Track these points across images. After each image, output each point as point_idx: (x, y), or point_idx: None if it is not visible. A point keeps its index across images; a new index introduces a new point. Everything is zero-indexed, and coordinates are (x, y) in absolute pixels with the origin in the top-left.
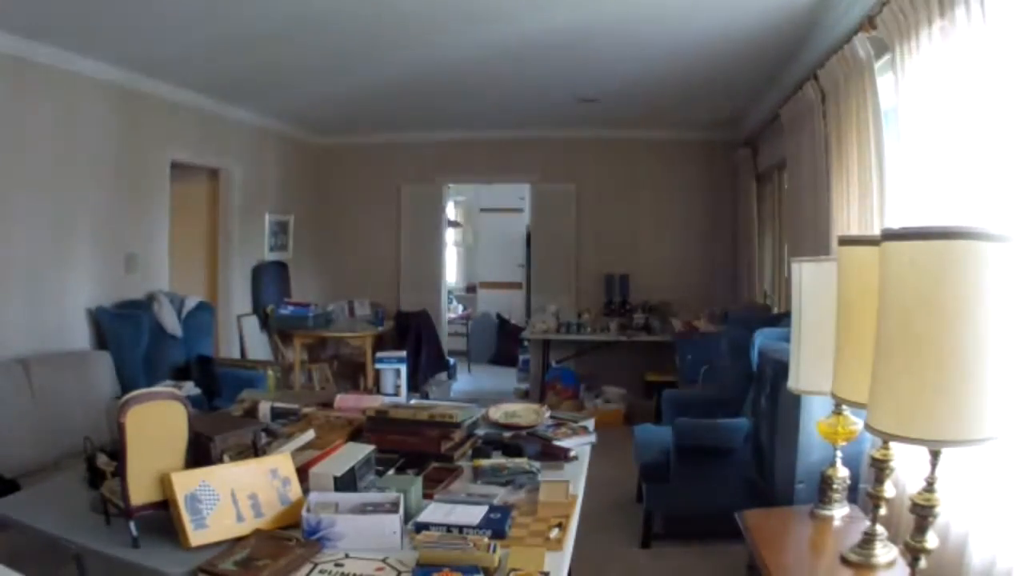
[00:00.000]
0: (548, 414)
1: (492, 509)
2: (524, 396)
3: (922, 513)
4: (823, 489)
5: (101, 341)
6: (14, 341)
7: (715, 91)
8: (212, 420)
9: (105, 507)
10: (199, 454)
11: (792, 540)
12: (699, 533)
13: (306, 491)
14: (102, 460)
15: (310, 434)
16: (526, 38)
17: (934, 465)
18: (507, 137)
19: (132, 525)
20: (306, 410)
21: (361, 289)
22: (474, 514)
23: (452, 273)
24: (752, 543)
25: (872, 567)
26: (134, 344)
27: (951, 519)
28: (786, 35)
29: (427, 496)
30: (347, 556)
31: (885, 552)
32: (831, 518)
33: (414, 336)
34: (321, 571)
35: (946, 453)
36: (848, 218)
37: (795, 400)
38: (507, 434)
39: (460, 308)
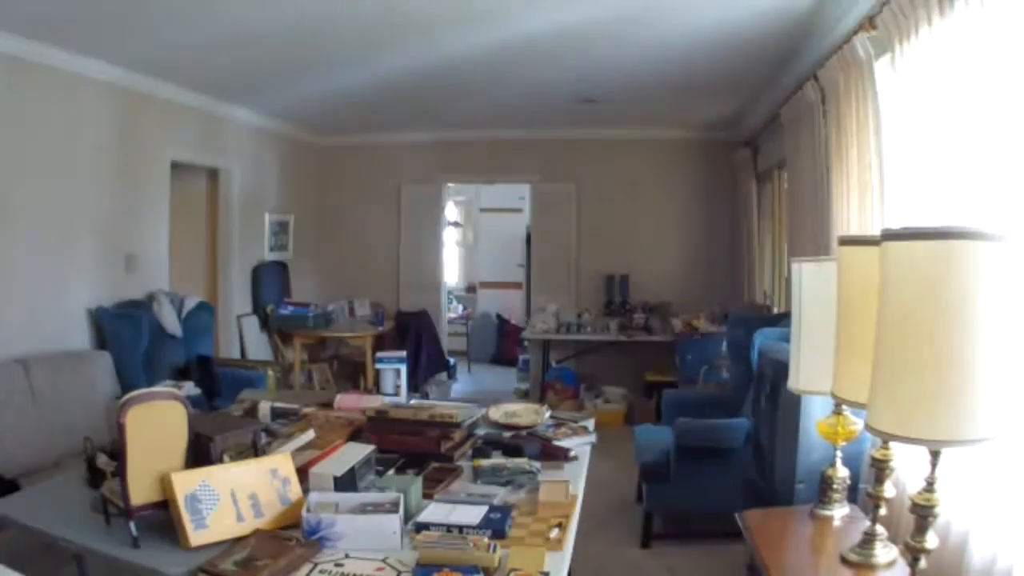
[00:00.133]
0: (548, 414)
1: (492, 509)
2: (524, 396)
3: (922, 513)
4: (823, 489)
5: (101, 341)
6: (14, 341)
7: (715, 91)
8: (212, 420)
9: (105, 507)
10: (199, 454)
11: (792, 540)
12: (699, 533)
13: (306, 491)
14: (102, 460)
15: (310, 434)
16: (526, 38)
17: (934, 465)
18: (507, 137)
19: (132, 525)
20: (306, 410)
21: (361, 289)
22: (474, 514)
23: (452, 273)
24: (752, 543)
25: (872, 567)
26: (134, 344)
27: (951, 518)
28: (786, 35)
29: (427, 496)
30: (347, 556)
31: (885, 552)
32: (831, 518)
33: (414, 336)
34: (321, 571)
35: (946, 453)
36: (848, 218)
37: (795, 400)
38: (507, 434)
39: (460, 308)
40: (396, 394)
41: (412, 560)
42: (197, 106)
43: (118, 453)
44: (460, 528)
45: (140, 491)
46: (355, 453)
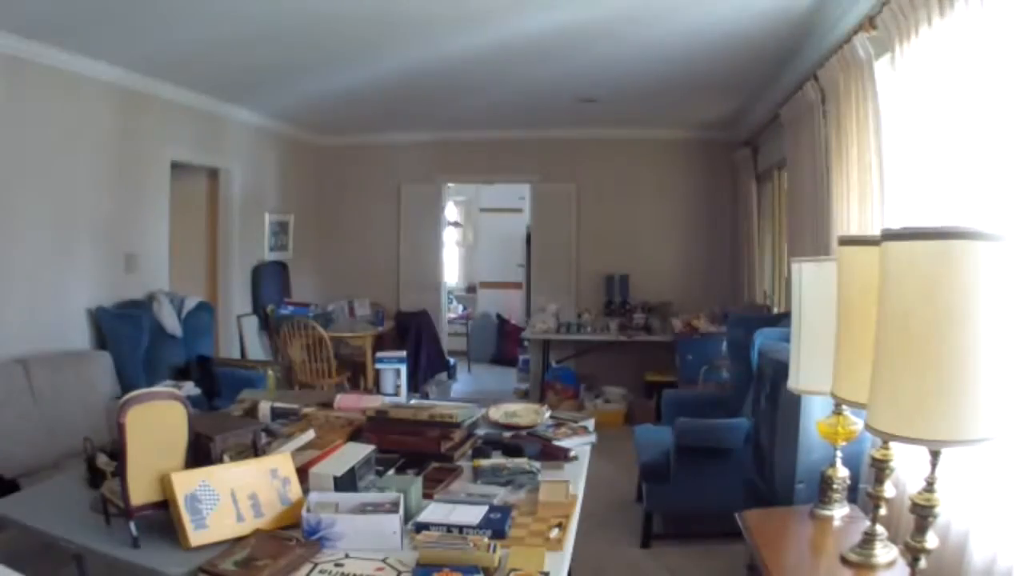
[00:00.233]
0: (548, 414)
1: (492, 509)
2: (524, 396)
3: (922, 513)
4: (823, 489)
5: (101, 341)
6: (14, 341)
7: (715, 91)
8: (212, 420)
9: (105, 507)
10: (199, 454)
11: (792, 540)
12: (699, 533)
13: (306, 491)
14: (102, 460)
15: (310, 434)
16: (526, 38)
17: (934, 465)
18: (507, 137)
19: (132, 525)
20: (306, 410)
21: (361, 289)
22: (474, 514)
23: (452, 273)
24: (752, 543)
25: (872, 567)
26: (134, 344)
27: (951, 518)
28: (786, 35)
29: (427, 496)
30: (347, 556)
31: (885, 552)
32: (831, 518)
33: (414, 336)
34: (321, 571)
35: (946, 453)
36: (848, 218)
37: (795, 400)
38: (507, 434)
39: (460, 308)
40: (396, 394)
41: (412, 560)
42: (197, 106)
43: (118, 453)
44: (460, 528)
45: (140, 491)
46: (355, 453)
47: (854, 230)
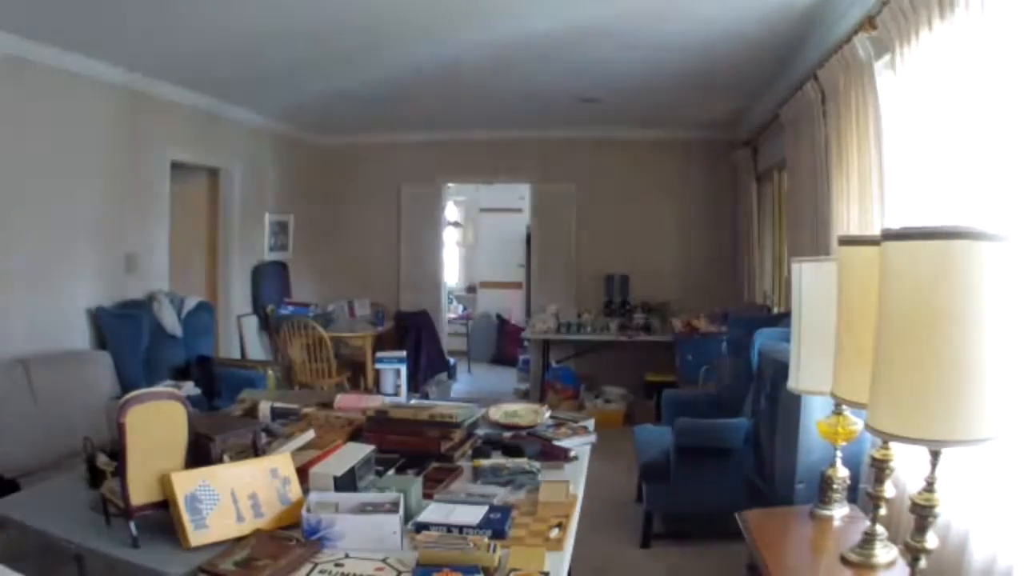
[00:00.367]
0: (548, 414)
1: (492, 509)
2: (524, 396)
3: (922, 513)
4: (823, 489)
5: (101, 341)
6: (14, 341)
7: (715, 91)
8: (212, 420)
9: (105, 507)
10: (199, 454)
11: (792, 540)
12: (699, 533)
13: (306, 491)
14: (102, 460)
15: (310, 434)
16: (526, 38)
17: (934, 465)
18: (507, 137)
19: (132, 525)
20: (306, 410)
21: (361, 289)
22: (474, 514)
23: (452, 273)
24: (752, 543)
25: (872, 567)
26: (134, 344)
27: (952, 517)
28: (786, 35)
29: (427, 496)
30: (347, 556)
31: (885, 552)
32: (831, 518)
33: (414, 336)
34: (321, 571)
35: (946, 453)
36: (848, 218)
37: (795, 400)
38: (507, 434)
39: (460, 308)
40: (396, 394)
41: (412, 560)
42: (197, 106)
43: (118, 453)
44: (460, 528)
45: (140, 491)
46: (355, 453)
47: (854, 230)
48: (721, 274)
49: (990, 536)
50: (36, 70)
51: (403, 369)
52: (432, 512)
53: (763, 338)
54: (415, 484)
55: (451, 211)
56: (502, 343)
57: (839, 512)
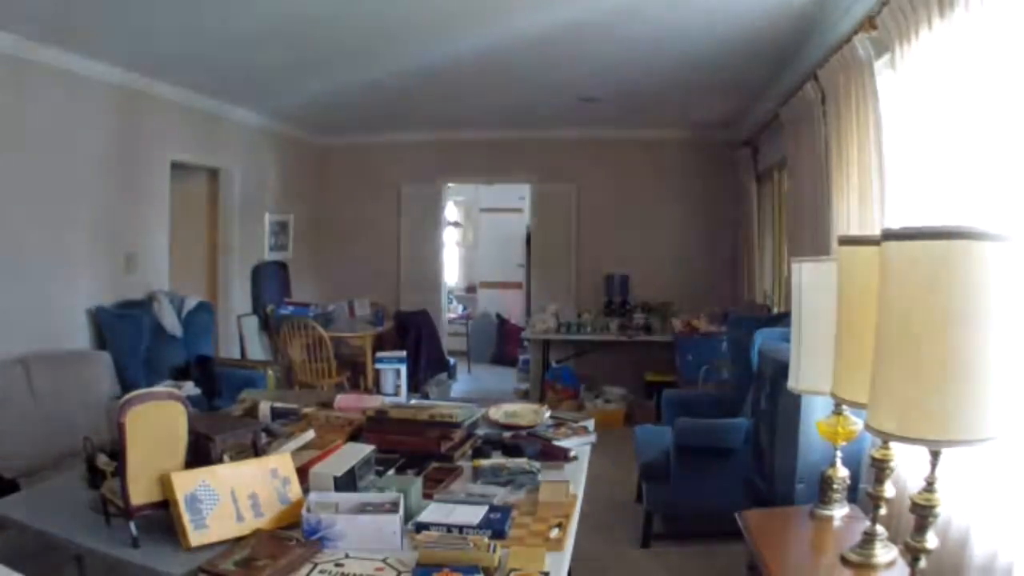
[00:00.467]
0: (548, 414)
1: (492, 509)
2: (524, 396)
3: (922, 513)
4: (823, 489)
5: (101, 341)
6: (14, 341)
7: (715, 91)
8: (212, 420)
9: (105, 507)
10: (199, 454)
11: (792, 540)
12: (699, 533)
13: (306, 491)
14: (102, 460)
15: (310, 434)
16: (526, 37)
17: (934, 465)
18: (507, 137)
19: (132, 525)
20: (306, 410)
21: (361, 289)
22: (474, 514)
23: (452, 273)
24: (752, 543)
25: (872, 567)
26: (134, 344)
27: (951, 516)
28: (786, 35)
29: (427, 496)
30: (347, 556)
31: (885, 552)
32: (831, 518)
33: (414, 336)
34: (321, 571)
35: (946, 453)
36: (848, 218)
37: (795, 400)
38: (507, 434)
39: (460, 308)
40: (396, 394)
41: (412, 560)
42: (197, 106)
43: (118, 453)
44: (460, 528)
45: (140, 491)
46: (355, 453)
47: (854, 230)
48: (721, 274)
49: (990, 535)
50: (36, 70)
51: (403, 369)
52: (432, 512)
53: (763, 338)
54: (415, 484)
55: (451, 211)
56: (502, 343)
57: (839, 512)
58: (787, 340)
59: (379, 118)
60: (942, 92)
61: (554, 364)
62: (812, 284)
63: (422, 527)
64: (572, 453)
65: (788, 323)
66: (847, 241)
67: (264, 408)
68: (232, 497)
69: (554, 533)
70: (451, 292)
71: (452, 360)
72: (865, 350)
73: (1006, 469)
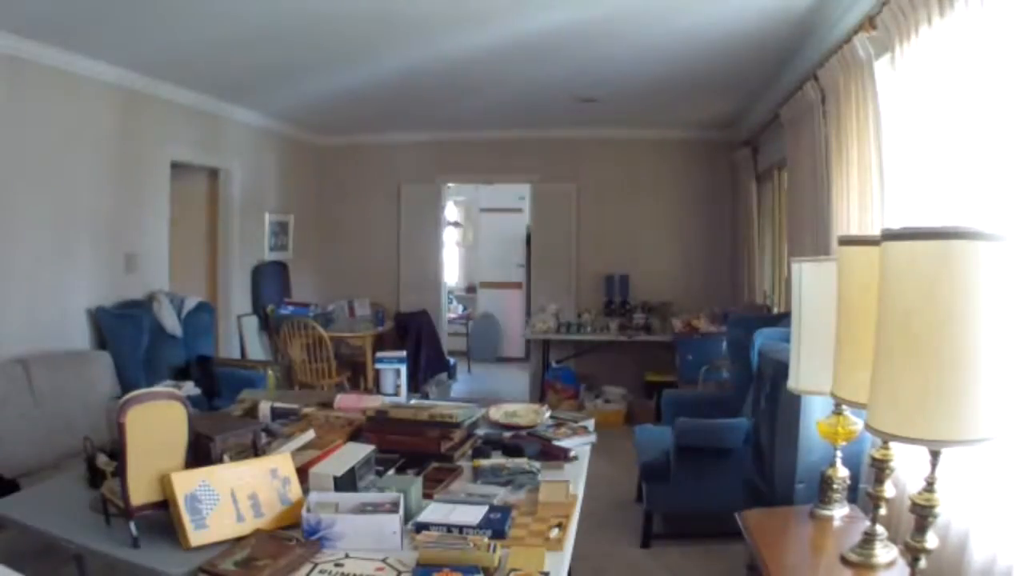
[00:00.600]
0: (548, 414)
1: (492, 509)
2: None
3: (922, 513)
4: (823, 489)
5: (101, 341)
6: (14, 341)
7: (715, 91)
8: (212, 420)
9: (105, 507)
10: (199, 454)
11: (792, 540)
12: (699, 533)
13: (306, 491)
14: (102, 460)
15: (310, 434)
16: (526, 37)
17: (934, 465)
18: (507, 137)
19: (132, 525)
20: (306, 410)
21: (361, 289)
22: (474, 514)
23: (452, 273)
24: (752, 543)
25: (872, 567)
26: (134, 344)
27: (951, 517)
28: (786, 35)
29: (427, 496)
30: (347, 556)
31: (885, 552)
32: (831, 518)
33: (414, 336)
34: (321, 571)
35: (946, 453)
36: (848, 218)
37: (795, 400)
38: (507, 434)
39: (460, 308)
40: (396, 394)
41: (412, 560)
42: (197, 106)
43: (118, 453)
44: (460, 528)
45: (140, 491)
46: (355, 453)
47: (854, 230)
48: (721, 274)
49: (990, 536)
50: (36, 70)
51: (403, 369)
52: (432, 512)
53: (763, 338)
54: (415, 484)
55: (451, 211)
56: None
57: (839, 512)
58: (787, 340)
59: (379, 118)
60: (942, 91)
61: (554, 364)
62: (812, 284)
63: (422, 527)
64: (572, 453)
65: (788, 323)
66: (847, 241)
67: (264, 408)
68: (232, 497)
69: (554, 533)
70: (451, 292)
71: (452, 360)
72: (865, 350)
73: (1006, 471)
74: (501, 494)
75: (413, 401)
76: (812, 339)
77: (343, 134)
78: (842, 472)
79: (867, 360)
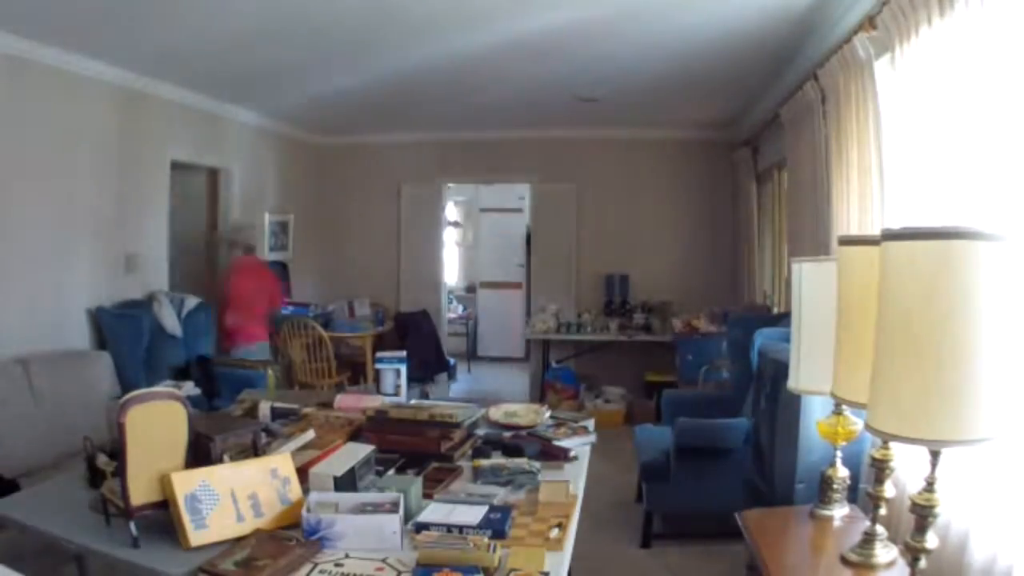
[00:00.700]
0: (548, 414)
1: (492, 509)
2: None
3: (922, 513)
4: (823, 489)
5: (101, 341)
6: (14, 341)
7: (715, 90)
8: (212, 420)
9: (105, 507)
10: (199, 454)
11: (792, 540)
12: (699, 533)
13: (306, 491)
14: (102, 460)
15: (310, 434)
16: (526, 37)
17: (934, 465)
18: (507, 137)
19: (132, 525)
20: (306, 410)
21: (361, 289)
22: (474, 514)
23: (452, 273)
24: (752, 543)
25: (872, 567)
26: (134, 344)
27: (951, 517)
28: (786, 34)
29: (427, 496)
30: (347, 556)
31: (885, 552)
32: (831, 518)
33: (414, 336)
34: (321, 571)
35: (946, 453)
36: (848, 218)
37: (795, 400)
38: (507, 434)
39: (460, 308)
40: (396, 394)
41: (412, 560)
42: (197, 106)
43: (118, 453)
44: (460, 528)
45: (140, 491)
46: (355, 453)
47: (854, 230)
48: (721, 274)
49: (990, 536)
50: (36, 70)
51: (403, 369)
52: (432, 512)
53: (763, 338)
54: (415, 484)
55: (451, 211)
56: None
57: (839, 512)
58: (787, 340)
59: (379, 118)
60: (942, 92)
61: (554, 364)
62: (812, 284)
63: (422, 527)
64: (572, 453)
65: (788, 323)
66: (847, 241)
67: (264, 408)
68: (232, 497)
69: (554, 533)
70: (451, 292)
71: (452, 360)
72: (865, 350)
73: (1006, 472)
74: (501, 494)
75: (413, 401)
76: (812, 339)
77: (343, 134)
78: (842, 472)
79: (867, 360)
